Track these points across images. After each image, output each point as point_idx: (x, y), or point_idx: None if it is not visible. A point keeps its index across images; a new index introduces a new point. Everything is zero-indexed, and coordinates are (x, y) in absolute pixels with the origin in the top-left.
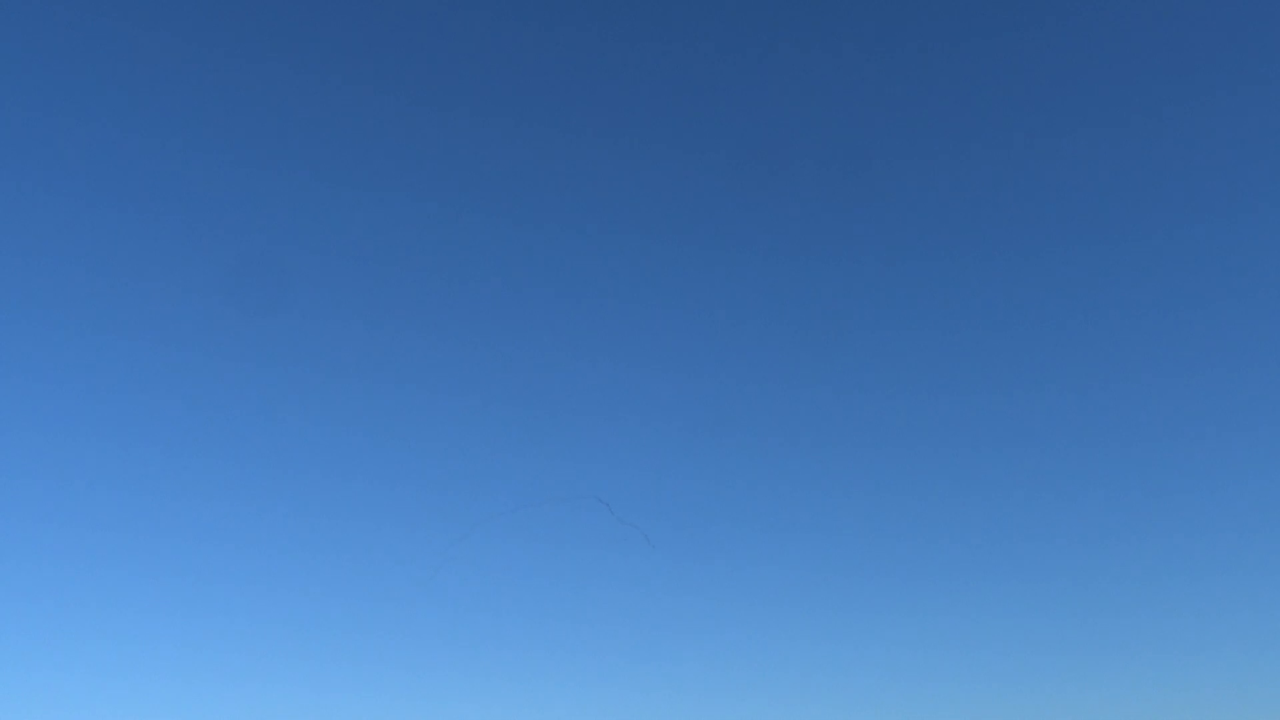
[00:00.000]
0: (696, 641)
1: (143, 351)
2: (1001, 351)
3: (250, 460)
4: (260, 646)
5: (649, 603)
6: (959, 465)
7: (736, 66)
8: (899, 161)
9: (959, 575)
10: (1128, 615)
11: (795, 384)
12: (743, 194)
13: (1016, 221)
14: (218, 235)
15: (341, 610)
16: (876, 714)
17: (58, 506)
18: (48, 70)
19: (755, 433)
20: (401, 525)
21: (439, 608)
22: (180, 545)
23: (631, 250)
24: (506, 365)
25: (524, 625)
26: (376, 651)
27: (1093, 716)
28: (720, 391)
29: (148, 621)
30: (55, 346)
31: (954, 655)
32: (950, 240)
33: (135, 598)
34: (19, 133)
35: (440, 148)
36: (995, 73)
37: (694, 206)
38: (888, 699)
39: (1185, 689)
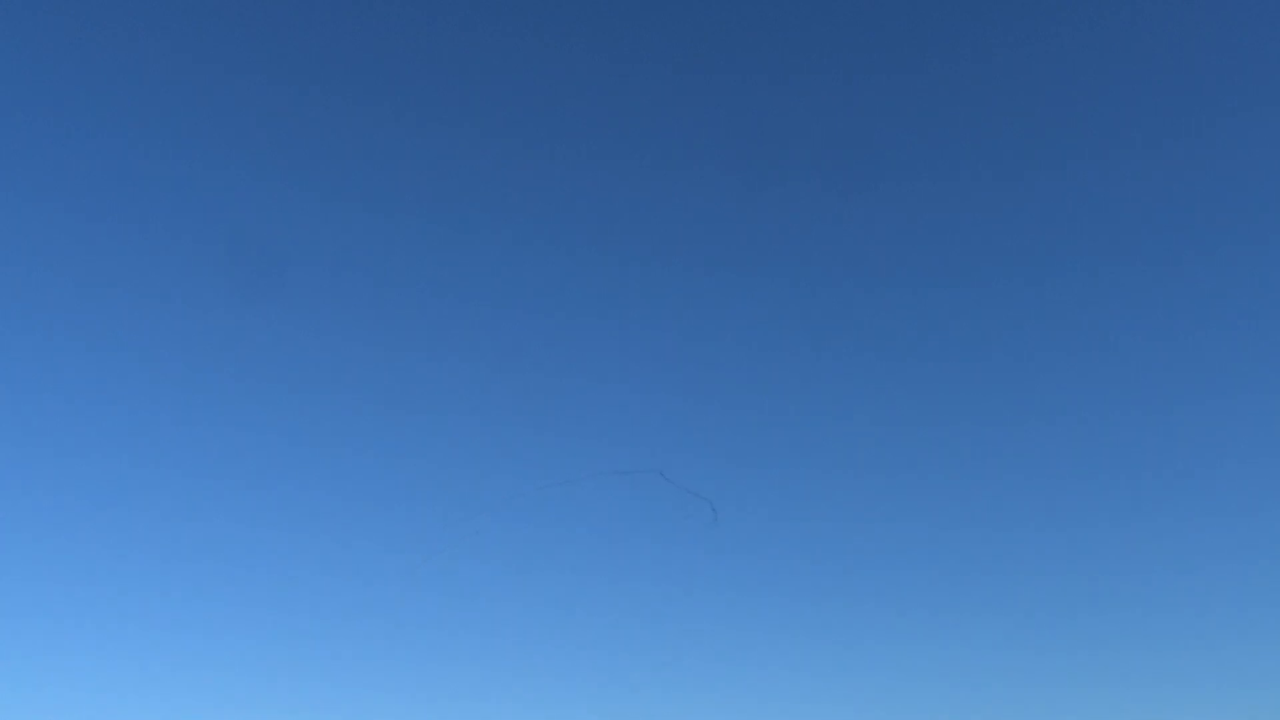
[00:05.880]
0: (729, 639)
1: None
2: (1010, 355)
3: (269, 445)
4: (275, 640)
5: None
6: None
7: (736, 77)
8: (907, 175)
9: (981, 580)
10: (1130, 628)
11: (802, 385)
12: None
13: (1025, 238)
14: (213, 239)
15: (366, 599)
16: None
17: (50, 504)
18: (43, 72)
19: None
20: (429, 511)
21: (462, 594)
22: (199, 533)
23: (639, 256)
24: (514, 368)
25: (558, 611)
26: (397, 640)
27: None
28: (726, 399)
29: (159, 618)
30: (50, 349)
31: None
32: (958, 256)
33: (144, 593)
34: (14, 134)
35: (445, 152)
36: (1005, 84)
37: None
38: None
39: (1185, 692)
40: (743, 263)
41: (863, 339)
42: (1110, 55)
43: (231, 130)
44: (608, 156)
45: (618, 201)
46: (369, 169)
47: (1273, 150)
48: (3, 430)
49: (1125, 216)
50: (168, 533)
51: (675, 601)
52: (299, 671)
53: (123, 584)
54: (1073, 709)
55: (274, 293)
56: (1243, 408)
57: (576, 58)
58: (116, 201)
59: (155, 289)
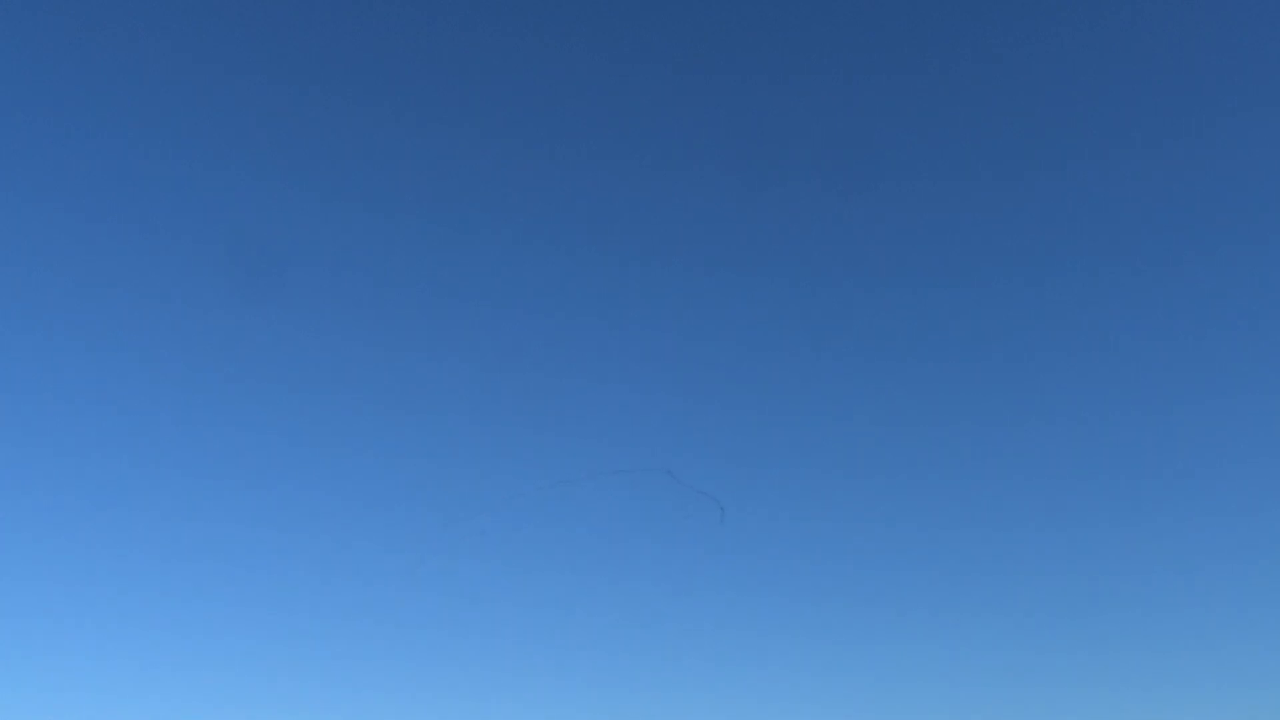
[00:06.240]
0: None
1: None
2: (1010, 355)
3: (269, 445)
4: (275, 640)
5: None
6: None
7: (736, 77)
8: (907, 175)
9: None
10: (1130, 627)
11: (802, 385)
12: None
13: (1025, 238)
14: (213, 239)
15: (366, 599)
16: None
17: (50, 504)
18: (43, 72)
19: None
20: (430, 511)
21: (466, 593)
22: (206, 530)
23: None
24: (514, 368)
25: (565, 611)
26: (397, 640)
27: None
28: (727, 399)
29: (159, 618)
30: (50, 349)
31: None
32: (958, 256)
33: (144, 593)
34: (14, 134)
35: (445, 152)
36: (1005, 84)
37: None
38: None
39: (1185, 692)
40: (743, 263)
41: (863, 339)
42: (1110, 55)
43: (231, 130)
44: (608, 156)
45: (618, 201)
46: (369, 169)
47: (1273, 150)
48: (3, 430)
49: (1125, 216)
50: (168, 533)
51: (678, 600)
52: (299, 671)
53: (123, 584)
54: (1073, 709)
55: (274, 293)
56: (1243, 408)
57: (576, 58)
58: (116, 201)
59: (155, 289)
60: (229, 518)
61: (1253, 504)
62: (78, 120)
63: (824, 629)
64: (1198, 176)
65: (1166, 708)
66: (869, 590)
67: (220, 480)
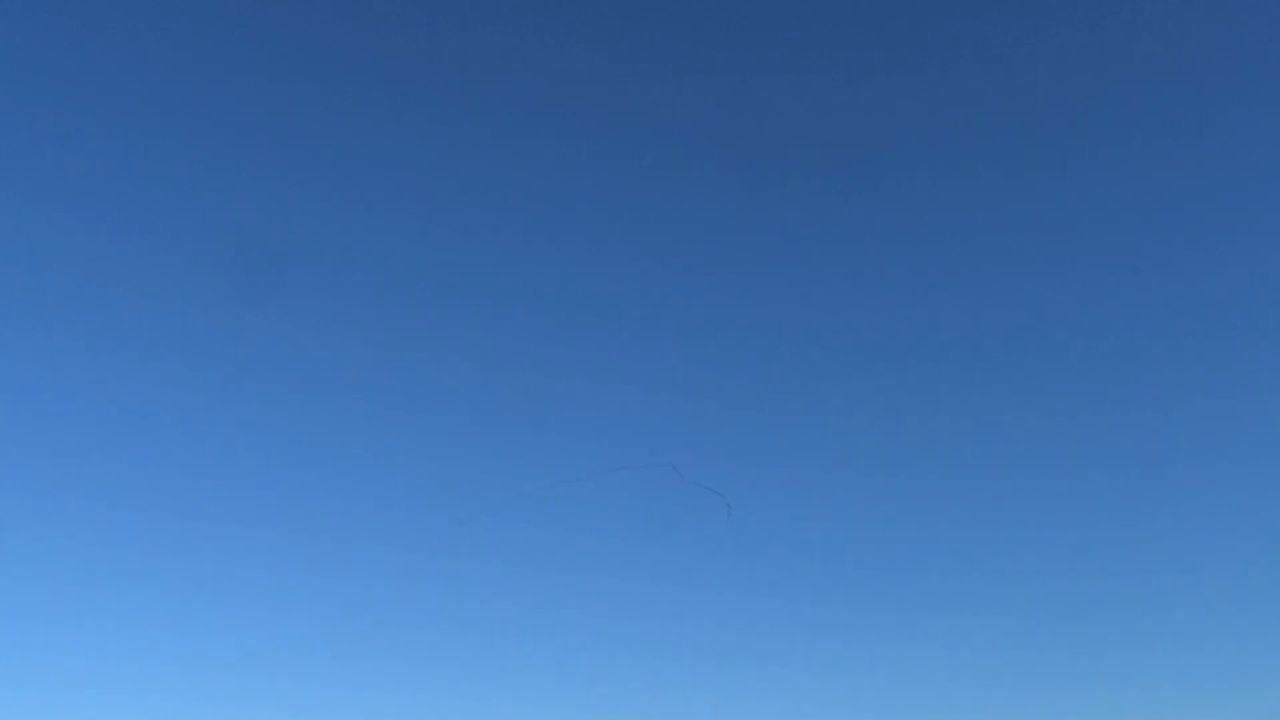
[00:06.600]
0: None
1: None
2: (1010, 354)
3: (269, 445)
4: (275, 640)
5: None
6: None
7: (736, 77)
8: (907, 175)
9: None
10: (1130, 628)
11: (802, 385)
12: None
13: (1025, 238)
14: (214, 240)
15: (368, 599)
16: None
17: (50, 505)
18: (43, 72)
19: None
20: (432, 511)
21: (469, 592)
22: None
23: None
24: (515, 368)
25: (572, 609)
26: (398, 640)
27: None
28: (727, 399)
29: (159, 618)
30: (50, 349)
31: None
32: (958, 256)
33: (144, 593)
34: (14, 134)
35: (445, 152)
36: (1005, 84)
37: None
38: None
39: (1185, 692)
40: (743, 263)
41: (864, 339)
42: (1110, 55)
43: (231, 130)
44: (608, 156)
45: (618, 201)
46: (369, 169)
47: (1273, 150)
48: (3, 430)
49: (1125, 216)
50: (168, 533)
51: (679, 600)
52: (299, 671)
53: (123, 584)
54: (1073, 709)
55: (274, 293)
56: (1243, 408)
57: (576, 58)
58: (117, 201)
59: (156, 289)
60: (229, 518)
61: (1253, 504)
62: (78, 120)
63: (825, 629)
64: (1197, 176)
65: (1166, 708)
66: (870, 590)
67: (220, 480)
